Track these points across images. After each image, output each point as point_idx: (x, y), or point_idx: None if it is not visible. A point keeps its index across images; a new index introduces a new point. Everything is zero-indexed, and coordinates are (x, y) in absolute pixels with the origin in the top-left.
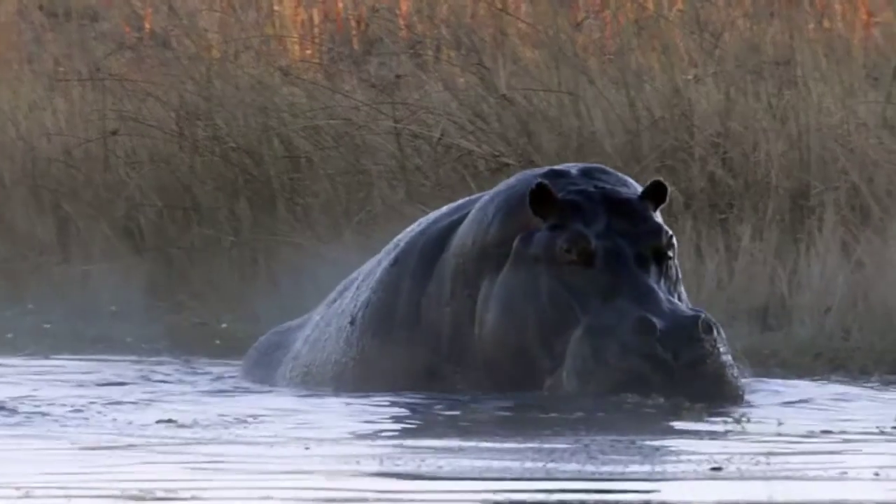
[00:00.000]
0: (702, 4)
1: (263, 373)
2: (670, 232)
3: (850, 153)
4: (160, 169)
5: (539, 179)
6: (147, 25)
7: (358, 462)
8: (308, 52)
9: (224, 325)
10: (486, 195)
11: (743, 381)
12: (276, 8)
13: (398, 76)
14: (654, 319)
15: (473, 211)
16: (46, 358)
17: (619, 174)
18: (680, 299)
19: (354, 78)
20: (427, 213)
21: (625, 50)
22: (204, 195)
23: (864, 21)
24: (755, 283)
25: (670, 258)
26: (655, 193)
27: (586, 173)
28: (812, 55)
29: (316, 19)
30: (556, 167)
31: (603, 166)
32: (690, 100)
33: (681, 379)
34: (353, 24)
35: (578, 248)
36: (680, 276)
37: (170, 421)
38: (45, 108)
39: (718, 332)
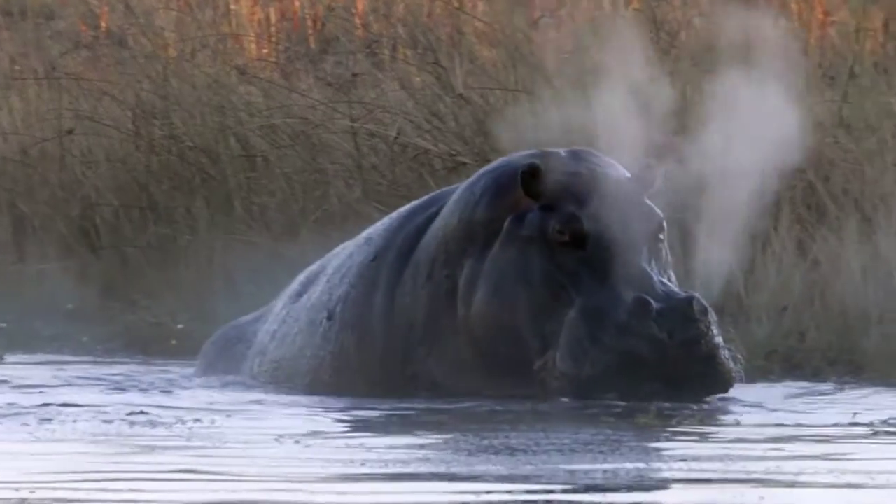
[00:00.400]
0: (658, 3)
1: (225, 368)
2: (661, 214)
3: (806, 152)
4: (116, 168)
5: (531, 160)
6: (103, 24)
7: (324, 462)
8: (265, 50)
9: (180, 326)
10: (471, 178)
11: (734, 365)
12: (232, 7)
13: (355, 75)
14: (650, 300)
15: (458, 191)
16: (0, 358)
17: (607, 157)
18: (670, 281)
19: (311, 77)
20: (384, 212)
21: (581, 48)
22: (160, 194)
23: (820, 20)
24: (711, 282)
25: (661, 241)
26: (646, 176)
27: (575, 154)
28: (768, 54)
29: (272, 18)
30: (546, 149)
31: (590, 149)
32: (646, 98)
33: (675, 359)
34: (309, 23)
35: (571, 229)
36: (670, 258)
37: (142, 413)
38: (1, 107)
39: (711, 315)
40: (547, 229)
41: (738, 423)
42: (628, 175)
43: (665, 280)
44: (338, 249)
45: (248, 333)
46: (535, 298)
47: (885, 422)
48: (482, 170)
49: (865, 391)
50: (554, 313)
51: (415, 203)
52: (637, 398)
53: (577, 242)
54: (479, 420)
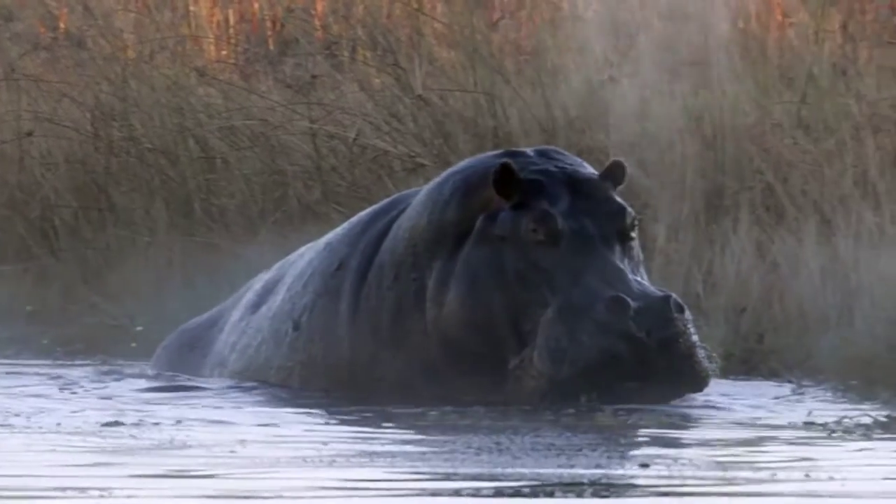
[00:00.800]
0: (617, 5)
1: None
2: (633, 212)
3: (764, 153)
4: (75, 170)
5: (502, 160)
6: (62, 25)
7: (288, 463)
8: (224, 52)
9: (140, 328)
10: (437, 180)
11: (710, 364)
12: (191, 8)
13: (314, 77)
14: (627, 298)
15: (424, 193)
16: None
17: (573, 155)
18: (643, 279)
19: (270, 78)
20: (344, 214)
21: (540, 50)
22: (119, 196)
23: (779, 22)
24: (670, 284)
25: (633, 238)
26: (615, 174)
27: (543, 154)
28: (727, 56)
29: (231, 20)
30: (513, 148)
31: (556, 147)
32: (606, 100)
33: (653, 357)
34: (268, 24)
35: (545, 227)
36: (642, 257)
37: (116, 423)
38: None
39: (687, 313)
40: (520, 228)
41: (698, 425)
42: (596, 173)
43: (639, 278)
44: (293, 257)
45: (203, 340)
46: (510, 298)
47: (838, 423)
48: (449, 171)
49: (824, 394)
50: (530, 312)
51: (375, 207)
52: (614, 396)
53: (551, 240)
54: (443, 421)
